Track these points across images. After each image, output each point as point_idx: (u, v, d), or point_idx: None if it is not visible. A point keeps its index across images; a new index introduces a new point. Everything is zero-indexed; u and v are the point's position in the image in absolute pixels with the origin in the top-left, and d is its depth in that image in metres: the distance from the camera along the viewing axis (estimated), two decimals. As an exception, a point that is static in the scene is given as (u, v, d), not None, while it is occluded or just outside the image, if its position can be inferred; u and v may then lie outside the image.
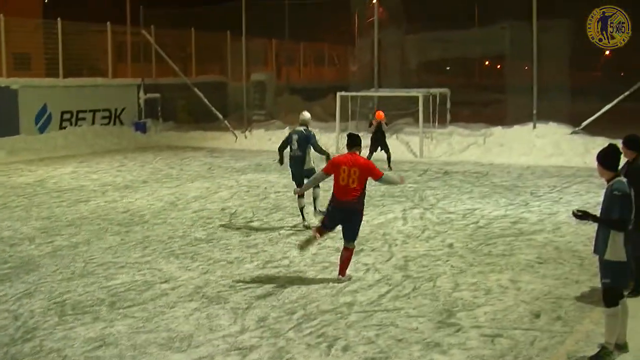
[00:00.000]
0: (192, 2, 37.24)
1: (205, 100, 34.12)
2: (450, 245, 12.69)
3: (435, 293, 9.91)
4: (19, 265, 11.68)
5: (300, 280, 10.56)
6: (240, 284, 10.45)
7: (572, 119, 26.39)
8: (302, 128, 14.50)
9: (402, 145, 26.96)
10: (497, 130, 27.06)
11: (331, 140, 28.35)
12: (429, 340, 8.22)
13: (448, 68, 44.05)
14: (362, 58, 36.18)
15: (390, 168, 22.02)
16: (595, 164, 7.87)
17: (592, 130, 25.25)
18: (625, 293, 7.90)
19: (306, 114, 14.87)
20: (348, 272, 10.72)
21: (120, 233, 14.07)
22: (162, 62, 36.05)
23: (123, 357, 7.82)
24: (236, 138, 30.59)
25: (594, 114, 25.48)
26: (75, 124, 31.88)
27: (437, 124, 27.58)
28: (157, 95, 35.52)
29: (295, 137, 14.39)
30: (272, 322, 8.83)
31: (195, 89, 34.69)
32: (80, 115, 32.21)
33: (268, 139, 29.72)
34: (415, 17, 33.02)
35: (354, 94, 29.10)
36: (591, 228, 8.23)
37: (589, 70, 47.45)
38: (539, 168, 22.93)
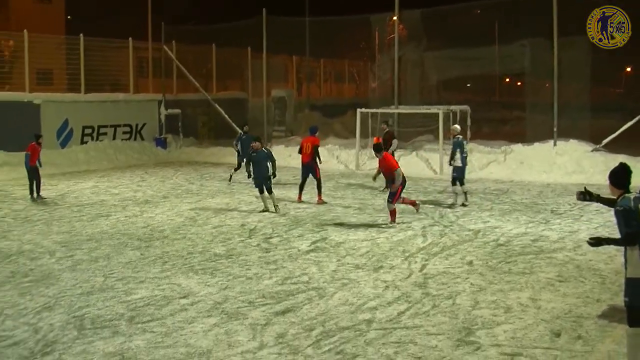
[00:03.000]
0: (213, 19, 37.47)
1: (226, 116, 34.29)
2: (470, 263, 12.62)
3: (454, 311, 9.85)
4: (39, 279, 11.74)
5: (319, 297, 10.53)
6: (259, 300, 10.43)
7: (593, 137, 26.22)
8: (461, 137, 19.04)
9: (421, 162, 26.92)
10: (518, 147, 26.93)
11: (351, 156, 28.38)
12: (448, 358, 8.15)
13: (468, 85, 44.01)
14: (382, 75, 36.17)
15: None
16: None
17: (613, 147, 25.05)
18: None
19: (458, 126, 19.62)
20: (368, 288, 10.78)
21: (140, 248, 14.11)
22: (183, 78, 36.26)
23: (142, 372, 7.82)
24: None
25: (615, 132, 25.28)
26: (97, 139, 32.07)
27: (457, 141, 27.46)
28: (178, 111, 35.67)
29: (465, 142, 19.34)
30: (290, 339, 8.80)
31: (216, 105, 34.85)
32: (102, 130, 32.41)
33: (288, 155, 29.73)
34: (435, 35, 33.00)
35: (373, 110, 29.05)
36: (612, 246, 8.12)
37: (610, 87, 47.27)
38: (560, 186, 22.80)
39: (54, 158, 28.43)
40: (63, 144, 30.62)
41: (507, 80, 49.68)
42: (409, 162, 25.91)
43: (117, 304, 10.30)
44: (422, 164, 26.70)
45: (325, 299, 10.42)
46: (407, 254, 13.30)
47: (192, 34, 37.75)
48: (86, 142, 31.66)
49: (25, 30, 30.22)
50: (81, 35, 32.07)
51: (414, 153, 27.90)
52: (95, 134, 32.12)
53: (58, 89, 33.06)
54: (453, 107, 27.46)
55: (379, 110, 29.17)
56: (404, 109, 29.61)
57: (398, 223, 16.22)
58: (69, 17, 50.52)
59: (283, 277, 11.76)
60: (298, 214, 17.89)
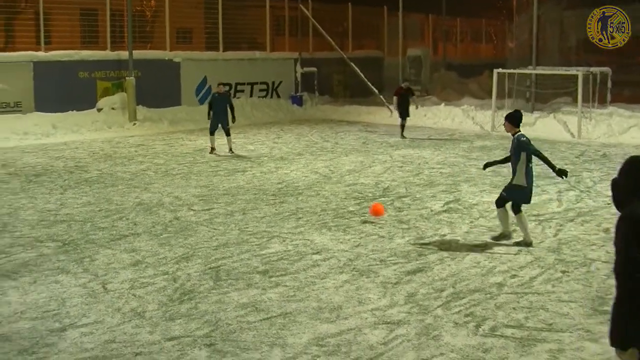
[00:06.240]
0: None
1: (361, 75, 34.28)
2: (607, 230, 12.21)
3: (588, 278, 9.62)
4: (178, 231, 12.16)
5: (451, 258, 10.50)
6: (391, 258, 10.49)
7: None
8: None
9: (559, 125, 26.19)
10: (662, 112, 25.87)
11: (487, 117, 27.94)
12: (580, 326, 7.99)
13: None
14: (520, 35, 35.38)
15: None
16: None
17: None
18: None
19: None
20: (501, 251, 10.69)
21: (274, 203, 14.37)
22: (319, 36, 36.40)
23: (273, 324, 8.00)
24: (391, 113, 30.47)
25: None
26: (234, 96, 32.65)
27: (596, 104, 26.59)
28: (314, 69, 35.87)
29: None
30: (420, 298, 8.83)
31: (352, 64, 34.90)
32: (239, 87, 33.00)
33: (423, 115, 29.56)
34: (577, -8, 31.95)
35: (510, 71, 28.41)
36: None
37: None
38: None
39: (193, 114, 29.17)
40: (201, 101, 31.30)
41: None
42: (546, 125, 25.36)
43: (252, 257, 10.56)
44: (559, 127, 25.97)
45: (456, 261, 10.38)
46: (541, 219, 13.07)
47: (329, -8, 37.86)
48: (223, 99, 32.32)
49: (166, -10, 30.97)
50: (219, -6, 32.63)
51: (552, 115, 27.20)
52: (232, 92, 32.72)
53: (197, 47, 33.81)
54: (593, 69, 26.56)
55: (516, 71, 28.56)
56: (541, 70, 28.88)
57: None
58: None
59: (415, 236, 11.77)
60: (432, 174, 17.80)
